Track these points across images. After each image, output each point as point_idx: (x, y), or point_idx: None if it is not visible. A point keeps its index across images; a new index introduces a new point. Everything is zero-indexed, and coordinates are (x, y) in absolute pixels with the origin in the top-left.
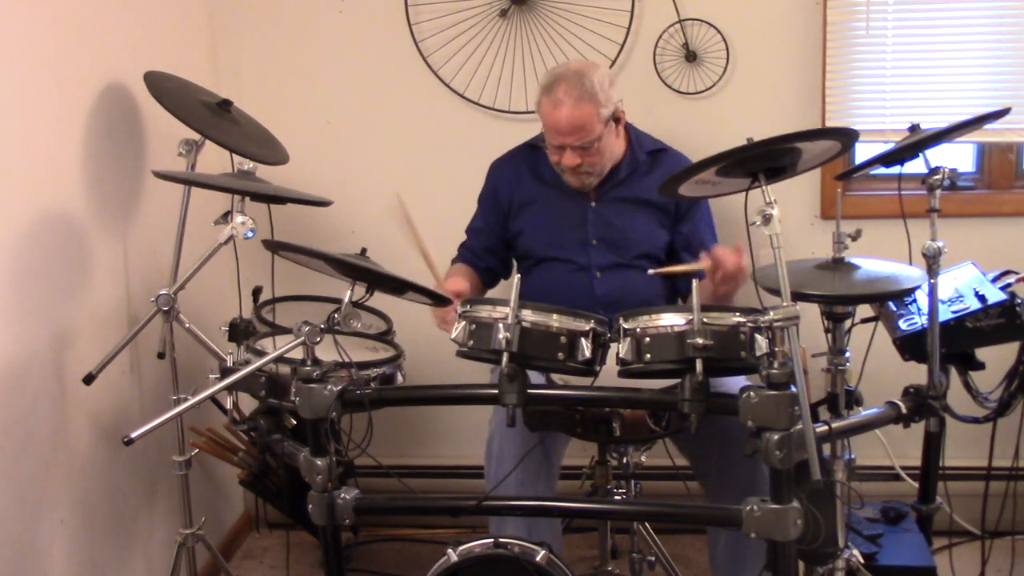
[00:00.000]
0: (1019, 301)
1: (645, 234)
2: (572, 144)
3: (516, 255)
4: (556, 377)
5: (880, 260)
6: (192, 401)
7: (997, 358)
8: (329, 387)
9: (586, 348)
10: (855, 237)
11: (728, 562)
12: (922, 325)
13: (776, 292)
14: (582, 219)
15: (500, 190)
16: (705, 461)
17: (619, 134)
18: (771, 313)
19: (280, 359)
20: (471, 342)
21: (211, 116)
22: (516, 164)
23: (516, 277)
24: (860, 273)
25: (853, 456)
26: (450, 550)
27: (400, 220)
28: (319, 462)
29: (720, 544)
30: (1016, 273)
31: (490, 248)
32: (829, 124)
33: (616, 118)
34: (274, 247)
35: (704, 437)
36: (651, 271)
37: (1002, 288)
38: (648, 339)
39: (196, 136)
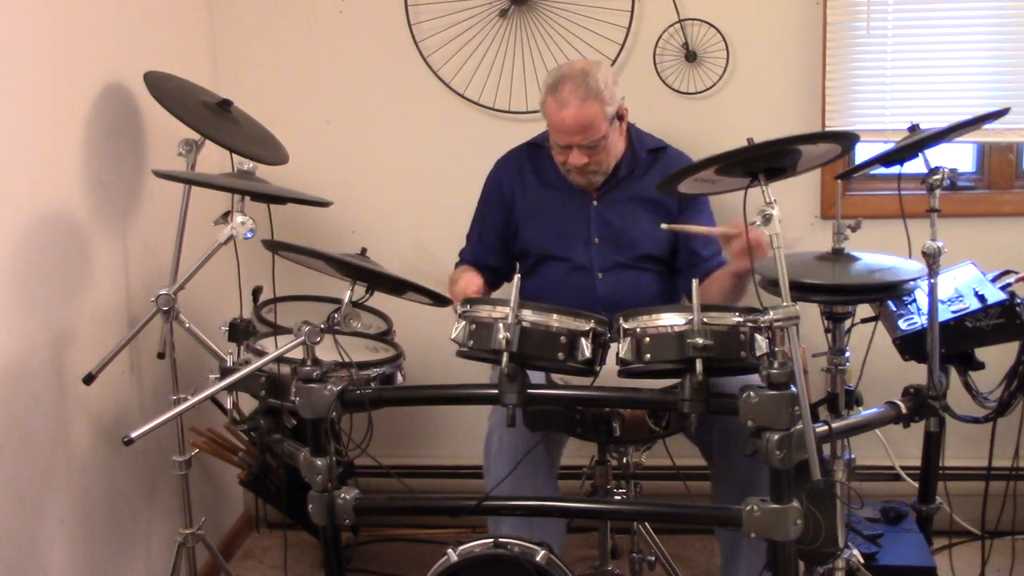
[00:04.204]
0: (1019, 301)
1: (647, 233)
2: (579, 143)
3: (516, 254)
4: (556, 377)
5: (880, 253)
6: (192, 401)
7: (997, 358)
8: (329, 387)
9: (586, 348)
10: (855, 228)
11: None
12: (922, 325)
13: (775, 288)
14: (584, 218)
15: (503, 187)
16: (718, 460)
17: (622, 132)
18: (771, 313)
19: (280, 359)
20: (471, 342)
21: (211, 116)
22: (518, 162)
23: (516, 277)
24: (860, 264)
25: (853, 456)
26: (450, 550)
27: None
28: (319, 462)
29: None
30: (1016, 273)
31: (493, 248)
32: (829, 124)
33: (620, 116)
34: (274, 247)
35: (715, 436)
36: (664, 225)
37: (1002, 288)
38: (648, 339)
39: (196, 136)
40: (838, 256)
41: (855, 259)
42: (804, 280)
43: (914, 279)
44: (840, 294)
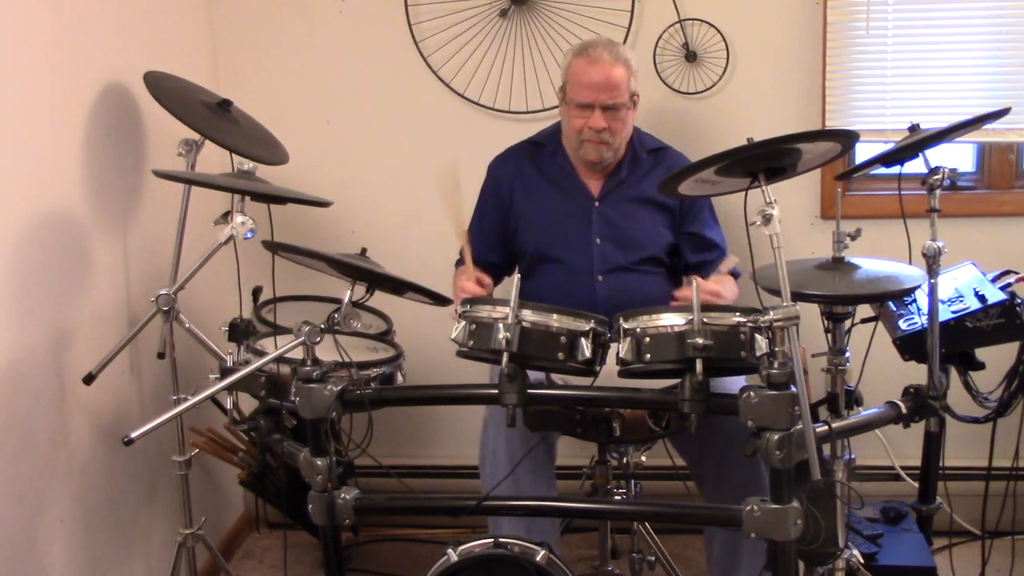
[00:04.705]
0: (1019, 301)
1: (649, 233)
2: (604, 102)
3: (515, 253)
4: (556, 377)
5: (880, 260)
6: (192, 401)
7: (997, 358)
8: (329, 387)
9: (586, 348)
10: (855, 236)
11: (724, 559)
12: (922, 325)
13: (776, 292)
14: (586, 218)
15: (501, 183)
16: (703, 461)
17: (633, 117)
18: (771, 313)
19: (280, 359)
20: (471, 342)
21: (211, 116)
22: (518, 159)
23: (516, 277)
24: (860, 273)
25: (853, 456)
26: (450, 550)
27: (446, 188)
28: (319, 462)
29: (716, 543)
30: (1016, 273)
31: (493, 245)
32: (829, 124)
33: (635, 100)
34: (274, 247)
35: (704, 437)
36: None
37: (1002, 288)
38: (648, 339)
39: (196, 136)
40: (838, 264)
41: (855, 267)
42: (804, 291)
43: (915, 287)
44: (840, 304)
